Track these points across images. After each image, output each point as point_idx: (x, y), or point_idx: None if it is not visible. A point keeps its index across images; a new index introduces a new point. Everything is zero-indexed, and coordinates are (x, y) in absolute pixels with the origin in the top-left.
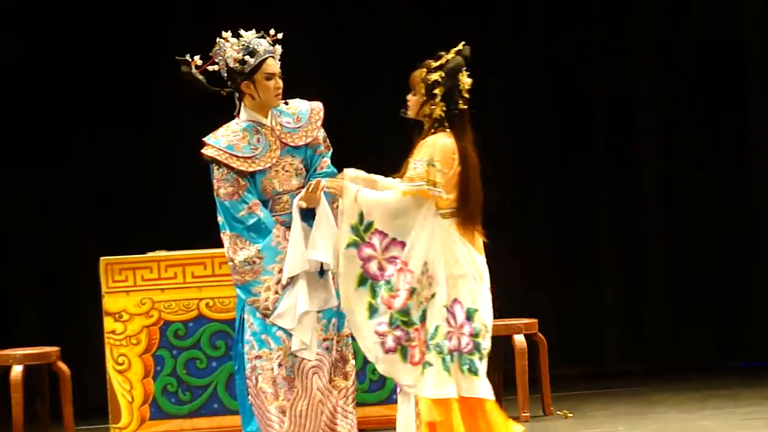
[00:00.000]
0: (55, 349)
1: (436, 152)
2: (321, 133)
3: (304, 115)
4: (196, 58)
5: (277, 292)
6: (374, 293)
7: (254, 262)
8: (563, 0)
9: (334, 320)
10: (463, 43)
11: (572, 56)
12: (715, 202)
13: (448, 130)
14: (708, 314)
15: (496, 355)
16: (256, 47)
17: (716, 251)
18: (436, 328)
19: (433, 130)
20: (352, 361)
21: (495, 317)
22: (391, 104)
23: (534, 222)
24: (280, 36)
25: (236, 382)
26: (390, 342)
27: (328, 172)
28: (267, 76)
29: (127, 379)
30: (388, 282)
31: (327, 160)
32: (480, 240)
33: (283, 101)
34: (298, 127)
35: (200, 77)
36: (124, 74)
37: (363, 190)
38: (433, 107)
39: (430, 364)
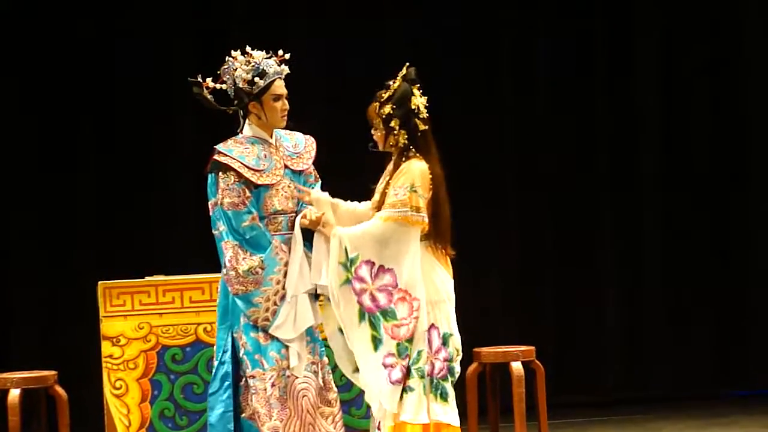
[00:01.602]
0: (52, 372)
1: (416, 178)
2: (312, 165)
3: (301, 143)
4: (209, 80)
5: (276, 303)
6: (374, 326)
7: (257, 272)
8: (565, 1)
9: (316, 346)
10: (407, 65)
11: (573, 55)
12: (714, 218)
13: (417, 154)
14: (707, 342)
15: (493, 382)
16: (265, 68)
17: (716, 276)
18: (419, 353)
19: (404, 158)
20: (335, 389)
21: (492, 344)
22: None
23: (536, 246)
24: (287, 57)
25: (209, 403)
26: (397, 373)
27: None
28: (275, 97)
29: (125, 403)
30: (385, 312)
31: (317, 190)
32: (448, 260)
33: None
34: (297, 153)
35: (209, 97)
36: (125, 86)
37: (340, 228)
38: (397, 137)
39: (412, 389)
